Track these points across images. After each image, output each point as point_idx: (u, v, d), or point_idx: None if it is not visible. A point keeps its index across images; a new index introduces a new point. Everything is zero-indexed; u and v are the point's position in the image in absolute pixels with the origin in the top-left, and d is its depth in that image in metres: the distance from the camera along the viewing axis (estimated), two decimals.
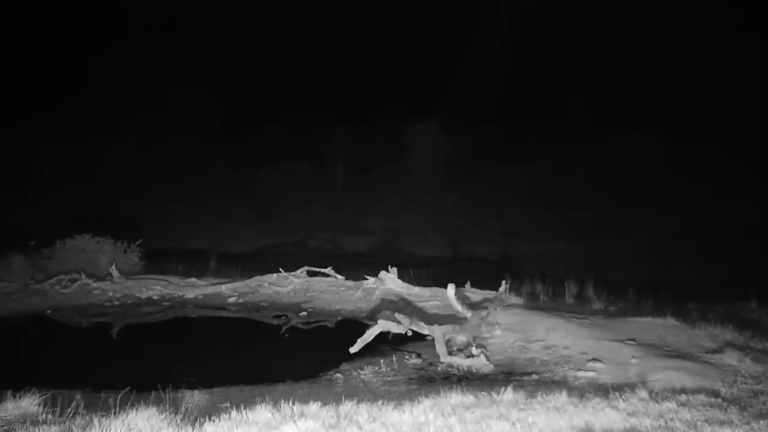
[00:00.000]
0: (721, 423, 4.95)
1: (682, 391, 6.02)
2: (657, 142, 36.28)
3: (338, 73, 50.76)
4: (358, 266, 15.72)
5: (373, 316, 10.44)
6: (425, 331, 8.26)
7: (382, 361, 7.94)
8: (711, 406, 5.46)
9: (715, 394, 5.98)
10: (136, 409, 5.06)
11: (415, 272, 14.38)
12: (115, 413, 4.99)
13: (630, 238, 27.10)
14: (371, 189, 40.31)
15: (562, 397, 5.58)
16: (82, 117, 42.90)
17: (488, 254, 26.17)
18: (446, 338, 8.26)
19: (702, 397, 5.73)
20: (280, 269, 13.24)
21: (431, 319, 9.60)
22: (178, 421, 4.88)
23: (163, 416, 4.97)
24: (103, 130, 41.97)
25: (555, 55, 47.14)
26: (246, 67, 50.49)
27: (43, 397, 5.52)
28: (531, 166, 39.30)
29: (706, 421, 5.01)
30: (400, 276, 12.48)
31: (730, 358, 7.33)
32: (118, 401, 5.45)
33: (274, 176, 39.68)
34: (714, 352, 7.72)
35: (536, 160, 39.90)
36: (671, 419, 5.02)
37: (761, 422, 4.98)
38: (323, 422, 4.88)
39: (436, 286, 11.99)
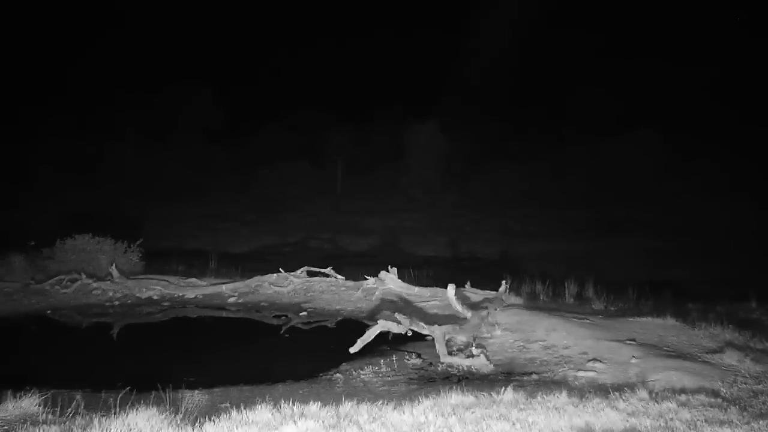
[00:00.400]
0: (721, 423, 4.94)
1: (682, 391, 6.02)
2: (657, 142, 36.30)
3: (338, 72, 50.89)
4: (358, 266, 15.73)
5: (373, 316, 10.44)
6: (425, 331, 8.26)
7: (382, 361, 7.93)
8: (711, 406, 5.45)
9: (715, 394, 5.98)
10: (136, 409, 5.05)
11: (415, 272, 14.36)
12: (115, 413, 4.99)
13: (630, 238, 27.11)
14: (371, 189, 40.33)
15: (562, 397, 5.57)
16: (82, 117, 42.93)
17: (488, 254, 26.20)
18: (446, 338, 8.25)
19: (702, 397, 5.73)
20: (280, 269, 13.23)
21: (431, 319, 9.60)
22: (178, 421, 4.88)
23: (163, 416, 4.96)
24: (103, 130, 42.00)
25: (555, 54, 47.23)
26: (246, 66, 50.60)
27: (43, 397, 5.51)
28: (531, 166, 39.34)
29: (706, 421, 5.01)
30: (400, 276, 12.46)
31: (730, 358, 7.33)
32: (118, 401, 5.45)
33: (274, 176, 39.71)
34: (714, 352, 7.72)
35: (536, 160, 39.95)
36: (671, 419, 5.02)
37: (761, 422, 4.98)
38: (323, 422, 4.88)
39: (436, 286, 11.97)
